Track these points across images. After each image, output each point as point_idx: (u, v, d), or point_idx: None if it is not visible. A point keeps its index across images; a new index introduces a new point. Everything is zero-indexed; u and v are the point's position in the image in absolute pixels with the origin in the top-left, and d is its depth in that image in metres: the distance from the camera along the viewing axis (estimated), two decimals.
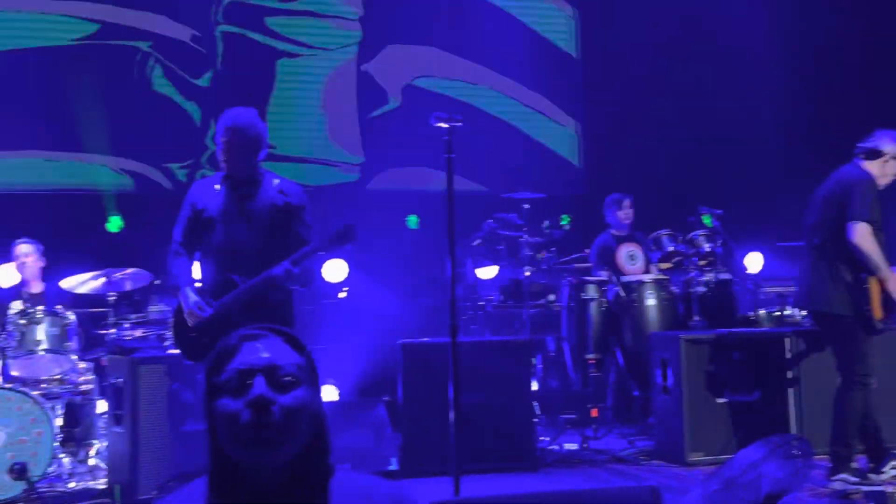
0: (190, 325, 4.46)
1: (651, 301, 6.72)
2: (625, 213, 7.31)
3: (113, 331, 5.99)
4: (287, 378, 1.64)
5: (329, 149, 8.83)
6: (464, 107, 9.04)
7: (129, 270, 6.18)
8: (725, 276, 6.86)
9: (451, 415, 4.43)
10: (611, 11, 9.45)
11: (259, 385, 1.61)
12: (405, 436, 5.66)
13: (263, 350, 1.65)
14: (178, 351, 4.69)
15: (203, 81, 8.51)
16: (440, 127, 4.52)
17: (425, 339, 5.99)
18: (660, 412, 6.09)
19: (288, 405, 1.61)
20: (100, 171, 8.20)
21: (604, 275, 6.84)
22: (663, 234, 7.03)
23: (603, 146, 9.35)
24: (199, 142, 8.47)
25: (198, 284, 4.60)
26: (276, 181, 4.62)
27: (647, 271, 7.01)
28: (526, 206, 6.59)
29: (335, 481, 1.68)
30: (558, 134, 9.54)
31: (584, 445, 6.21)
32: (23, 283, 6.39)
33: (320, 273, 8.07)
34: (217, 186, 4.60)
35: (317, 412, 1.67)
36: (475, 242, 6.99)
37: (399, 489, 1.73)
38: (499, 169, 8.93)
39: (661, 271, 7.00)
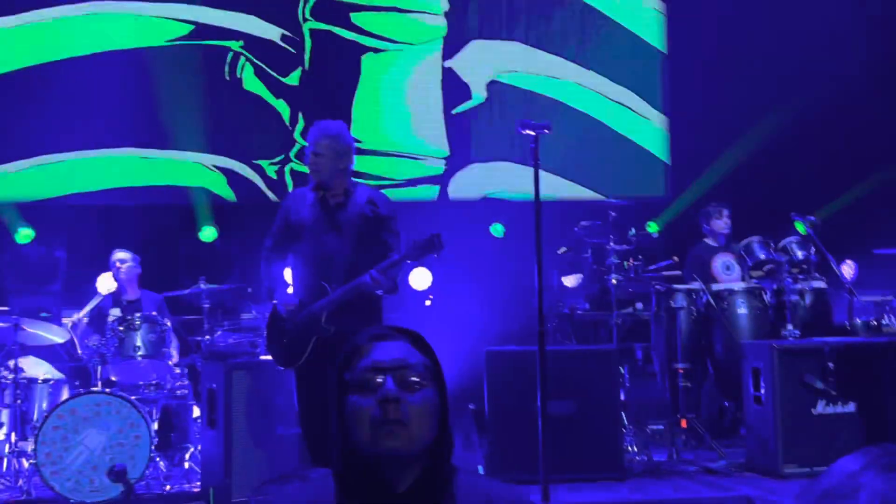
0: (284, 316, 4.56)
1: (742, 310, 6.58)
2: (723, 223, 7.20)
3: (207, 337, 6.15)
4: (415, 378, 1.70)
5: (414, 143, 8.90)
6: (548, 102, 9.01)
7: (223, 280, 6.34)
8: (819, 284, 6.69)
9: (539, 423, 4.41)
10: (699, 9, 9.30)
11: (389, 383, 1.68)
12: (491, 443, 5.66)
13: (392, 350, 1.72)
14: (270, 357, 4.80)
15: (292, 80, 8.69)
16: (527, 134, 4.52)
17: (511, 346, 5.98)
18: (752, 423, 5.96)
19: (416, 404, 1.68)
20: (193, 168, 8.46)
21: (694, 283, 6.74)
22: (755, 241, 6.88)
23: (692, 150, 9.21)
24: (288, 139, 8.66)
25: (289, 290, 4.71)
26: (366, 192, 4.75)
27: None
28: (612, 213, 6.54)
29: (457, 481, 1.73)
30: (646, 132, 9.41)
31: (674, 456, 6.12)
32: (121, 291, 6.61)
33: (407, 281, 8.16)
34: (309, 196, 4.73)
35: (442, 412, 1.73)
36: (561, 250, 6.96)
37: (519, 493, 1.78)
38: (585, 174, 8.87)
39: (753, 279, 6.86)
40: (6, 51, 8.24)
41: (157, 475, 5.59)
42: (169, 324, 5.99)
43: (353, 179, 4.81)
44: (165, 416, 6.00)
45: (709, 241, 7.25)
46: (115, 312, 6.05)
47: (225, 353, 5.95)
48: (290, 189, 8.43)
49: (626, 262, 6.70)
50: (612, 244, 6.51)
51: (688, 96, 9.23)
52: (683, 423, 6.37)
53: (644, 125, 9.40)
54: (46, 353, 6.16)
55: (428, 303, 8.19)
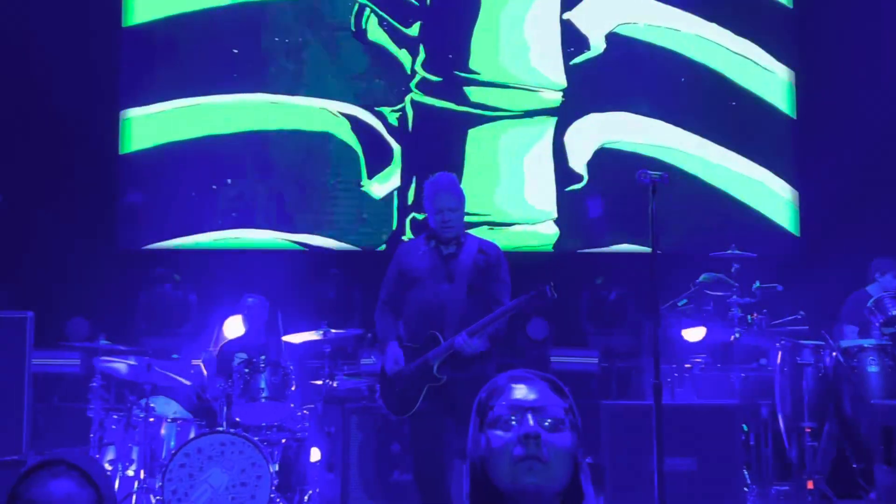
0: (389, 375, 4.67)
1: (873, 367, 6.30)
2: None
3: (328, 381, 6.28)
4: (554, 420, 1.76)
5: (531, 73, 8.93)
6: (670, 57, 8.97)
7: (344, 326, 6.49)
8: None
9: (653, 479, 4.33)
10: (830, 73, 9.02)
11: (529, 420, 1.74)
12: (608, 499, 5.57)
13: (532, 391, 1.79)
14: (385, 406, 4.87)
15: (413, 31, 8.90)
16: (644, 183, 4.47)
17: (627, 401, 5.90)
18: (882, 486, 5.68)
19: (554, 443, 1.74)
20: (319, 113, 8.76)
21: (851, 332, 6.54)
22: (886, 296, 6.61)
23: (819, 205, 8.92)
24: (407, 87, 8.86)
25: (399, 346, 4.81)
26: (476, 241, 4.88)
27: None
28: (736, 265, 6.41)
29: None
30: (772, 199, 9.17)
31: None
32: (247, 334, 6.82)
33: (529, 329, 8.16)
34: (422, 247, 4.87)
35: (577, 456, 1.78)
36: (681, 303, 6.84)
37: None
38: (706, 228, 8.71)
39: (885, 336, 6.57)
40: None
41: None
42: (292, 367, 6.15)
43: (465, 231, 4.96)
44: (286, 458, 6.12)
45: (871, 290, 7.02)
46: (241, 355, 6.24)
47: (344, 397, 6.06)
48: (409, 128, 8.78)
49: (749, 316, 6.54)
50: (735, 297, 6.37)
51: (818, 164, 8.93)
52: (810, 485, 6.11)
53: (773, 195, 9.17)
54: (175, 393, 6.40)
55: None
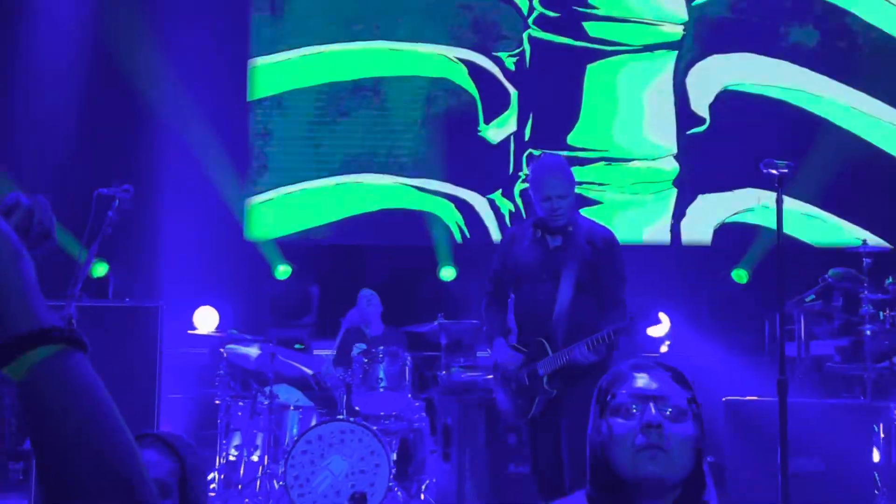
0: (502, 373, 4.51)
1: None
2: None
3: (444, 372, 6.33)
4: (676, 409, 1.77)
5: (651, 8, 8.72)
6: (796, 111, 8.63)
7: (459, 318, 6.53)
8: None
9: (777, 480, 4.21)
10: None
11: (652, 409, 1.75)
12: (729, 499, 5.45)
13: (655, 380, 1.80)
14: (499, 403, 4.74)
15: None
16: (769, 173, 4.34)
17: (752, 396, 5.74)
18: None
19: (677, 433, 1.74)
20: (437, 59, 8.75)
21: None
22: None
23: None
24: (525, 25, 8.75)
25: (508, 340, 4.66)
26: (587, 228, 4.48)
27: None
28: (867, 259, 6.15)
29: None
30: None
31: None
32: (367, 326, 6.96)
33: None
34: (528, 235, 4.52)
35: (698, 449, 1.78)
36: (809, 298, 6.61)
37: None
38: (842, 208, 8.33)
39: None
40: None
41: None
42: (409, 358, 6.23)
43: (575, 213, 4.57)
44: (403, 447, 6.21)
45: None
46: (360, 345, 6.36)
47: (460, 389, 6.10)
48: (527, 65, 8.62)
49: (882, 313, 6.26)
50: (866, 293, 6.12)
51: None
52: None
53: None
54: (297, 381, 6.57)
55: (664, 349, 8.00)
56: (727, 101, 8.70)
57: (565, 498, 1.86)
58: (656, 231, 8.68)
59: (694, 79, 8.73)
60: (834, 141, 8.54)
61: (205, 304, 7.53)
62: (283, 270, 8.62)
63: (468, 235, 8.73)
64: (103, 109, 8.17)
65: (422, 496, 6.07)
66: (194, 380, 6.91)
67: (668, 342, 7.92)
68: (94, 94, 8.14)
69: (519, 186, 8.67)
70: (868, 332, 6.08)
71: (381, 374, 6.03)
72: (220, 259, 8.13)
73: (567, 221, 4.39)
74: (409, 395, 6.17)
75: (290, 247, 8.72)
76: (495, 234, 8.64)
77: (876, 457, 5.93)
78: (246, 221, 8.64)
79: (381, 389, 6.03)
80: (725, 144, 8.55)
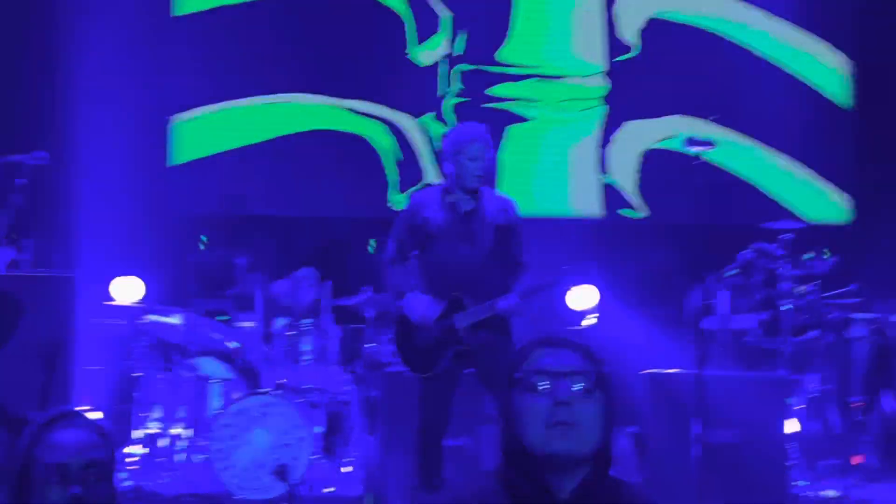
0: (414, 323, 4.60)
1: None
2: None
3: (371, 345, 6.30)
4: (586, 385, 1.77)
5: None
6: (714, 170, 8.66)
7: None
8: None
9: (694, 451, 4.28)
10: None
11: (563, 386, 1.75)
12: (649, 470, 5.55)
13: (566, 356, 1.80)
14: (402, 360, 4.83)
15: None
16: (692, 152, 4.41)
17: (672, 370, 5.83)
18: None
19: (587, 409, 1.75)
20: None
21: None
22: None
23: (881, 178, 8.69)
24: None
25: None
26: (494, 197, 4.73)
27: None
28: (787, 236, 6.28)
29: (617, 492, 1.79)
30: (825, 203, 8.86)
31: (845, 494, 5.79)
32: (292, 297, 6.86)
33: (562, 300, 8.09)
34: (437, 200, 4.71)
35: (608, 423, 1.79)
36: (730, 272, 6.73)
37: None
38: (759, 197, 8.55)
39: None
40: None
41: (318, 477, 5.76)
42: (335, 331, 6.19)
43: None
44: (329, 421, 6.18)
45: None
46: (285, 319, 6.29)
47: (386, 361, 6.08)
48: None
49: (799, 288, 6.42)
50: (785, 268, 6.25)
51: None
52: (857, 460, 6.03)
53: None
54: (220, 354, 6.47)
55: (592, 320, 8.07)
56: (656, 29, 8.78)
57: (476, 476, 1.86)
58: (582, 149, 8.76)
59: (622, 6, 8.79)
60: (760, 72, 8.77)
61: (125, 273, 7.35)
62: (207, 241, 8.47)
63: (401, 158, 8.72)
64: (12, 71, 7.90)
65: (347, 469, 6.05)
66: (113, 352, 6.75)
67: (596, 315, 8.01)
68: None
69: (450, 102, 8.71)
70: (786, 307, 6.22)
71: (306, 347, 5.99)
72: (142, 228, 7.96)
73: (476, 184, 4.64)
74: (336, 368, 6.15)
75: (216, 217, 8.58)
76: (426, 159, 8.67)
77: (791, 428, 6.10)
78: (169, 144, 8.52)
79: (307, 362, 5.99)
80: (653, 72, 8.69)
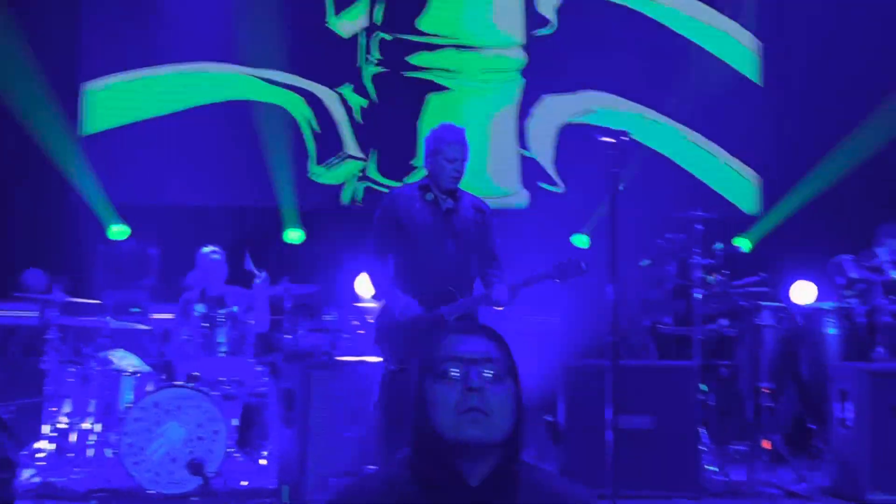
0: (400, 322, 4.54)
1: (832, 330, 6.37)
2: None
3: (288, 336, 6.24)
4: (497, 371, 1.79)
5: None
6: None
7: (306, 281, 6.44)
8: None
9: (608, 437, 4.35)
10: (794, 43, 9.00)
11: (474, 373, 1.77)
12: (565, 457, 5.61)
13: (477, 343, 1.82)
14: (382, 356, 4.70)
15: None
16: (605, 142, 4.44)
17: (587, 360, 5.91)
18: (838, 447, 5.76)
19: (498, 395, 1.77)
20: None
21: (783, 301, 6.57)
22: (846, 259, 6.66)
23: (783, 165, 8.96)
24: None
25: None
26: (470, 197, 4.79)
27: None
28: (698, 226, 6.40)
29: (528, 478, 1.81)
30: (735, 180, 9.16)
31: (754, 477, 5.94)
32: (208, 287, 6.74)
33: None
34: (418, 198, 4.71)
35: (518, 409, 1.81)
36: (644, 263, 6.85)
37: (587, 494, 1.86)
38: (672, 186, 8.73)
39: (845, 299, 6.63)
40: None
41: (234, 470, 5.69)
42: (252, 322, 6.10)
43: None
44: (246, 413, 6.10)
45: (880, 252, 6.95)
46: (199, 308, 6.18)
47: (304, 353, 6.03)
48: None
49: (710, 277, 6.55)
50: (697, 258, 6.38)
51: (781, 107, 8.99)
52: (766, 444, 6.20)
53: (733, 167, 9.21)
54: (134, 346, 6.34)
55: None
56: (574, 5, 8.95)
57: (386, 463, 1.85)
58: (501, 120, 8.87)
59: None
60: (676, 49, 9.02)
61: (35, 265, 7.14)
62: (117, 230, 8.28)
63: (318, 130, 8.68)
64: None
65: (263, 462, 5.99)
66: (20, 345, 6.56)
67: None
68: None
69: (369, 71, 8.69)
70: (698, 296, 6.35)
71: (222, 339, 5.90)
72: (53, 220, 7.74)
73: (455, 184, 4.70)
74: (252, 360, 6.07)
75: (130, 207, 8.39)
76: (345, 130, 8.64)
77: (703, 414, 6.24)
78: (81, 113, 8.35)
79: (222, 354, 5.91)
80: (571, 47, 8.85)
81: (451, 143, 4.64)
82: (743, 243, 8.27)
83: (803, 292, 6.99)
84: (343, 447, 5.25)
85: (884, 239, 6.96)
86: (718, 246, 6.53)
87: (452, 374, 1.78)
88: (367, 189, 8.77)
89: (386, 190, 8.61)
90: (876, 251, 6.82)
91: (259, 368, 6.15)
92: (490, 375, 1.77)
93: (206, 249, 6.64)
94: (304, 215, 8.61)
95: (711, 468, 5.97)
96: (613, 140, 4.38)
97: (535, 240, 7.84)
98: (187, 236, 8.02)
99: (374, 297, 4.86)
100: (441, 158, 4.63)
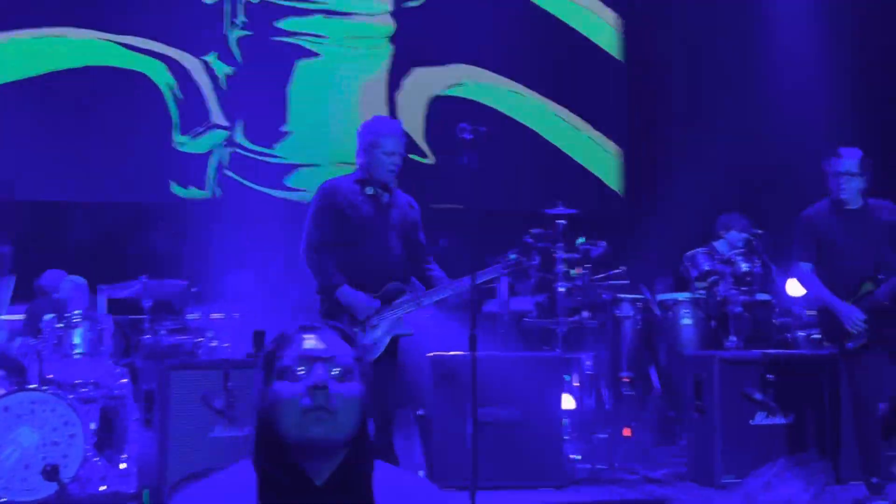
0: (361, 318, 4.57)
1: (687, 320, 6.63)
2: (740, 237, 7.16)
3: (148, 336, 6.07)
4: (343, 369, 1.75)
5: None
6: (497, 117, 9.10)
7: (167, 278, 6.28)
8: (764, 296, 6.74)
9: (471, 428, 4.41)
10: (655, 21, 9.38)
11: (318, 371, 1.72)
12: (433, 448, 5.65)
13: (321, 341, 1.77)
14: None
15: None
16: (465, 138, 4.50)
17: (454, 352, 5.97)
18: (693, 433, 6.00)
19: (343, 394, 1.73)
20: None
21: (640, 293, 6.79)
22: (700, 252, 6.94)
23: (643, 160, 9.28)
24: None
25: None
26: (401, 193, 4.84)
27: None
28: (561, 221, 6.55)
29: (376, 476, 1.77)
30: (598, 153, 9.51)
31: (615, 465, 6.13)
32: (62, 288, 6.51)
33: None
34: (358, 192, 4.69)
35: (365, 406, 1.78)
36: (510, 258, 6.94)
37: (438, 492, 1.86)
38: (534, 182, 8.92)
39: (699, 290, 6.91)
40: None
41: (92, 475, 5.49)
42: (110, 322, 5.91)
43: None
44: (104, 416, 5.91)
45: (718, 245, 7.19)
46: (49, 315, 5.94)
47: (165, 353, 5.87)
48: None
49: (573, 271, 6.71)
50: (560, 252, 6.52)
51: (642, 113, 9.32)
52: (627, 432, 6.40)
53: (595, 145, 9.51)
54: None
55: None
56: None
57: (232, 469, 1.80)
58: (371, 88, 8.90)
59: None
60: (542, 24, 9.26)
61: None
62: None
63: (181, 97, 8.50)
64: None
65: (123, 465, 5.81)
66: None
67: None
68: None
69: (235, 35, 8.56)
70: (561, 289, 6.50)
71: (77, 340, 5.69)
72: None
73: (392, 179, 4.74)
74: (110, 361, 5.88)
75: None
76: (210, 98, 8.50)
77: (567, 405, 6.39)
78: None
79: (77, 356, 5.70)
80: (441, 20, 8.98)
81: (387, 136, 4.65)
82: (602, 238, 8.50)
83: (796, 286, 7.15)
84: (207, 450, 5.14)
85: (721, 231, 7.30)
86: (580, 240, 6.70)
87: (297, 371, 1.74)
88: (230, 180, 8.60)
89: (253, 156, 8.55)
90: (714, 245, 7.16)
91: (118, 370, 5.97)
92: (336, 374, 1.74)
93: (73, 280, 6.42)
94: (168, 208, 8.38)
95: (575, 457, 6.13)
96: (472, 136, 4.43)
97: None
98: (42, 234, 7.73)
99: (322, 291, 4.70)
100: (378, 152, 4.64)
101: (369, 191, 4.67)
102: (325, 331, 1.81)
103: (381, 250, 4.63)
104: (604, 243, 6.87)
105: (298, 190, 8.64)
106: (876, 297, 5.09)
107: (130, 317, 6.51)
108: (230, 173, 8.59)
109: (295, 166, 8.70)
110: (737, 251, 6.74)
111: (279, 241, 8.30)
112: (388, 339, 4.64)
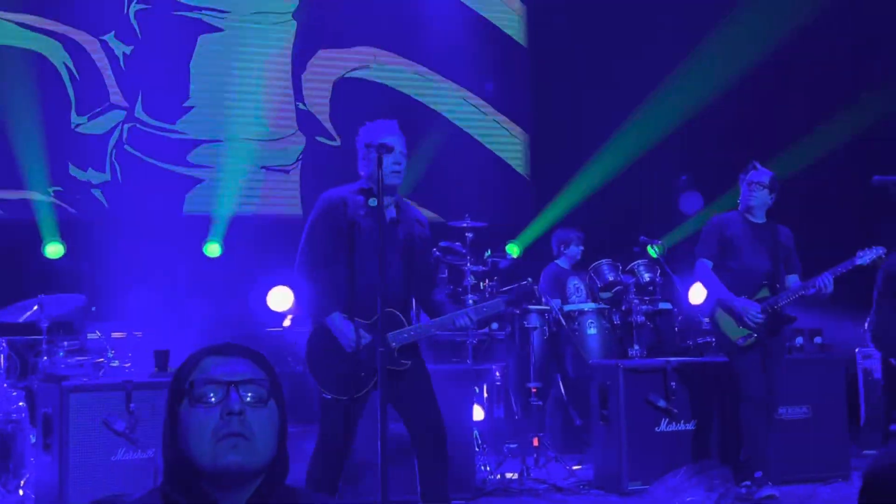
0: (348, 351, 4.16)
1: (592, 330, 6.74)
2: (579, 250, 7.40)
3: (45, 358, 5.87)
4: (256, 395, 1.69)
5: None
6: (404, 100, 9.17)
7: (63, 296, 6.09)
8: (665, 305, 6.91)
9: (379, 443, 4.37)
10: (559, 8, 9.56)
11: (233, 396, 1.66)
12: (348, 467, 5.59)
13: (236, 365, 1.71)
14: (318, 381, 4.23)
15: None
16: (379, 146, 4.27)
17: None
18: (599, 441, 6.09)
19: (259, 419, 1.67)
20: None
21: (547, 303, 6.87)
22: (604, 263, 7.08)
23: (552, 170, 9.41)
24: None
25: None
26: (412, 209, 4.45)
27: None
28: (469, 234, 6.60)
29: (287, 497, 1.72)
30: (507, 141, 9.66)
31: (525, 474, 6.18)
32: None
33: (266, 302, 8.04)
34: (361, 203, 4.26)
35: (281, 432, 1.73)
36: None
37: None
38: (444, 195, 8.97)
39: (603, 300, 7.04)
40: None
41: None
42: (4, 344, 5.70)
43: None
44: (0, 442, 5.68)
45: (561, 262, 7.42)
46: None
47: (63, 375, 5.68)
48: None
49: (482, 283, 6.77)
50: (468, 265, 6.57)
51: (550, 108, 9.48)
52: (535, 442, 6.46)
53: (505, 137, 9.66)
54: None
55: (287, 323, 8.07)
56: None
57: (137, 498, 1.74)
58: (275, 66, 8.86)
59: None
60: (447, 8, 9.41)
61: None
62: None
63: (77, 77, 8.30)
64: None
65: (21, 492, 5.60)
66: None
67: (290, 316, 7.99)
68: None
69: (133, 9, 8.44)
70: (470, 302, 6.54)
71: None
72: None
73: (399, 180, 4.28)
74: (5, 385, 5.66)
75: None
76: (108, 77, 8.33)
77: (478, 415, 6.42)
78: None
79: None
80: (345, 2, 9.05)
81: (389, 133, 4.24)
82: (512, 250, 8.61)
83: (698, 294, 7.28)
84: (108, 474, 5.00)
85: (561, 248, 7.48)
86: (488, 253, 6.76)
87: (210, 397, 1.67)
88: (131, 162, 8.39)
89: (154, 132, 8.38)
90: (558, 263, 7.39)
91: (14, 393, 5.76)
92: (251, 398, 1.69)
93: None
94: (64, 227, 8.11)
95: (486, 468, 6.16)
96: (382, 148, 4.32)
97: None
98: None
99: (312, 314, 4.30)
100: (377, 151, 4.10)
101: (373, 202, 4.20)
102: (238, 355, 1.75)
103: (381, 268, 3.99)
104: (510, 255, 6.96)
105: (201, 167, 8.55)
106: (775, 300, 5.38)
107: (26, 337, 6.28)
108: (130, 148, 8.40)
109: (198, 142, 8.58)
110: (639, 262, 6.89)
111: (183, 254, 8.16)
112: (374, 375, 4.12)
